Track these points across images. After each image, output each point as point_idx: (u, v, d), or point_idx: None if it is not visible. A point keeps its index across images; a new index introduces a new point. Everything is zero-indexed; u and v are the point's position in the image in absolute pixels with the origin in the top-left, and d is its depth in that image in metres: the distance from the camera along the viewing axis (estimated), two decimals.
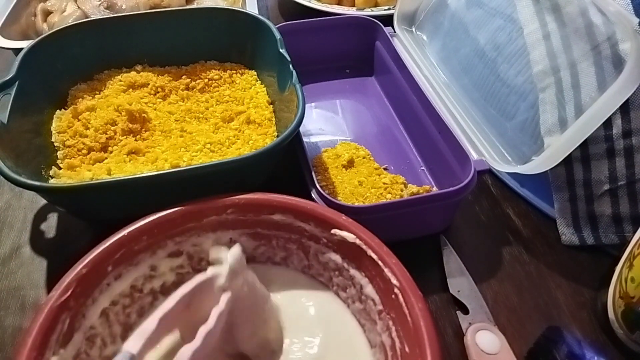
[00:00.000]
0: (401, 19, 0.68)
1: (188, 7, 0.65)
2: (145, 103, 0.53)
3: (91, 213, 0.46)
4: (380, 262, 0.34)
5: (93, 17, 0.56)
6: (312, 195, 0.44)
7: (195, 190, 0.39)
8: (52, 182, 0.44)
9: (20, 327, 0.42)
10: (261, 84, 0.56)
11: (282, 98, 0.50)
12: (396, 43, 0.63)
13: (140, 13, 0.57)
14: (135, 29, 0.55)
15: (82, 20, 0.54)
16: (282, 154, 0.45)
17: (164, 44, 0.56)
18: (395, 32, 0.67)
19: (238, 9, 0.57)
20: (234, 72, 0.57)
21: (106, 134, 0.49)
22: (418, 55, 0.64)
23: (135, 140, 0.49)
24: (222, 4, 0.69)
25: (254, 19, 0.55)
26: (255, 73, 0.57)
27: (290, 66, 0.48)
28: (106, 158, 0.48)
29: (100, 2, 0.62)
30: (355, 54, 0.67)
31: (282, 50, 0.49)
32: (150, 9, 0.66)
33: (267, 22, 0.54)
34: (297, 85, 0.46)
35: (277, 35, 0.51)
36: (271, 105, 0.53)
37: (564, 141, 0.44)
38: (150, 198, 0.39)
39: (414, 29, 0.69)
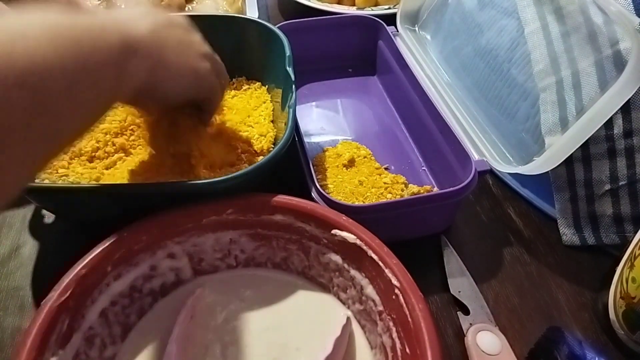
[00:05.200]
0: (404, 18, 0.68)
1: (201, 13, 0.65)
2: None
3: (70, 215, 0.46)
4: (380, 263, 0.34)
5: None
6: (312, 194, 0.44)
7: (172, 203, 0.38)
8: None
9: (19, 327, 0.42)
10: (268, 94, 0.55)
11: (281, 115, 0.49)
12: (399, 42, 0.63)
13: None
14: None
15: None
16: (269, 173, 0.43)
17: None
18: (398, 31, 0.67)
19: (253, 19, 0.56)
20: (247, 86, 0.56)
21: (99, 142, 0.47)
22: (421, 54, 0.64)
23: (125, 154, 0.47)
24: (223, 3, 0.69)
25: (267, 29, 0.54)
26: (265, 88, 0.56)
27: (293, 87, 0.46)
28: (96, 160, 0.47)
29: (99, 2, 0.62)
30: (358, 53, 0.67)
31: (289, 69, 0.48)
32: None
33: (281, 35, 0.52)
34: (291, 110, 0.44)
35: (287, 52, 0.50)
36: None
37: (565, 141, 0.43)
38: (132, 207, 0.39)
39: (417, 28, 0.69)
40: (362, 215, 0.41)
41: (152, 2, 0.66)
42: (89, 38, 0.30)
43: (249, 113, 0.52)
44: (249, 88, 0.56)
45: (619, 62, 0.42)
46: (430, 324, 0.31)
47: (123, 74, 0.32)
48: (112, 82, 0.32)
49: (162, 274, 0.39)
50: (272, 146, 0.48)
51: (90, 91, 0.30)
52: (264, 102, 0.54)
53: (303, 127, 0.55)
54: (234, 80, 0.57)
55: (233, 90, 0.56)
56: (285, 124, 0.44)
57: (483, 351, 0.39)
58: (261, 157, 0.47)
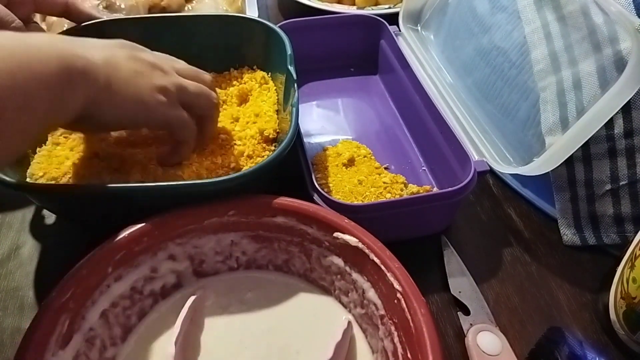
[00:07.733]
0: (407, 17, 0.68)
1: (201, 13, 0.65)
2: None
3: (71, 216, 0.46)
4: (382, 267, 0.34)
5: (107, 18, 0.55)
6: (311, 193, 0.44)
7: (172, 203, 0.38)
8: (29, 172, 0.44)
9: (19, 328, 0.42)
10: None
11: (283, 113, 0.49)
12: (401, 42, 0.62)
13: (150, 17, 0.57)
14: (141, 32, 0.54)
15: (99, 20, 0.53)
16: (271, 174, 0.43)
17: (176, 50, 0.55)
18: (400, 30, 0.66)
19: (253, 18, 0.56)
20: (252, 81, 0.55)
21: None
22: (422, 54, 0.63)
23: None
24: (222, 3, 0.69)
25: (268, 28, 0.54)
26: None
27: (295, 85, 0.46)
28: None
29: (99, 2, 0.62)
30: (359, 52, 0.67)
31: (291, 67, 0.48)
32: (149, 9, 0.66)
33: (282, 34, 0.52)
34: (294, 109, 0.44)
35: (289, 51, 0.50)
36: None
37: (565, 142, 0.43)
38: (132, 208, 0.39)
39: (419, 28, 0.68)
40: (360, 214, 0.41)
41: (152, 0, 0.66)
42: (26, 61, 0.30)
43: (251, 103, 0.52)
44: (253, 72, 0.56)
45: (620, 62, 0.42)
46: (432, 329, 0.31)
47: (61, 101, 0.32)
48: (46, 106, 0.32)
49: (163, 275, 0.39)
50: (276, 138, 0.48)
51: (22, 114, 0.30)
52: (268, 91, 0.53)
53: (304, 126, 0.55)
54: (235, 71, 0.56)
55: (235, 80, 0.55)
56: (288, 123, 0.44)
57: (483, 351, 0.39)
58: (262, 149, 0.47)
